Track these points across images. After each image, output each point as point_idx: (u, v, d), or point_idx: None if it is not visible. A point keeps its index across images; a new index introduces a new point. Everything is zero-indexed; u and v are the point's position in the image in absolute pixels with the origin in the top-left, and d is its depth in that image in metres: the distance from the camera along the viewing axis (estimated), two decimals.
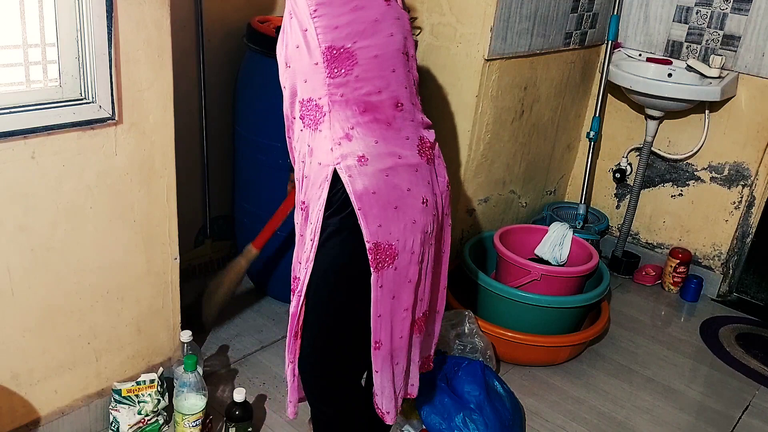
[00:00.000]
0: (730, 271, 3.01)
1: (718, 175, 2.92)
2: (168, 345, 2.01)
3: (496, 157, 2.64)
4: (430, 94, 2.51)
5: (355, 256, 1.40)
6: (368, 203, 1.37)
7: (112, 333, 1.86)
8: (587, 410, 2.24)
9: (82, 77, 1.60)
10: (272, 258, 2.50)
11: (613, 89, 3.05)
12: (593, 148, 3.04)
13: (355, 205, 1.36)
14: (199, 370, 1.90)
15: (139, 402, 1.85)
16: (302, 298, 1.48)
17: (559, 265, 2.53)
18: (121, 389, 1.85)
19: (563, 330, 2.40)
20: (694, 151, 2.93)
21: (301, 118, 1.41)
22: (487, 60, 2.36)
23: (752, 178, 2.84)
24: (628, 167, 3.12)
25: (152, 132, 1.75)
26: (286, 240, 2.42)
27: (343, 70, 1.34)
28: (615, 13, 2.88)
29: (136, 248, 1.82)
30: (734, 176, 2.87)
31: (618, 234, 3.20)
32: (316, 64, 1.34)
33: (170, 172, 1.83)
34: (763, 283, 2.98)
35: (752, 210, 2.87)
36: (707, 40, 2.82)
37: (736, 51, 2.75)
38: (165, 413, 1.92)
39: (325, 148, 1.38)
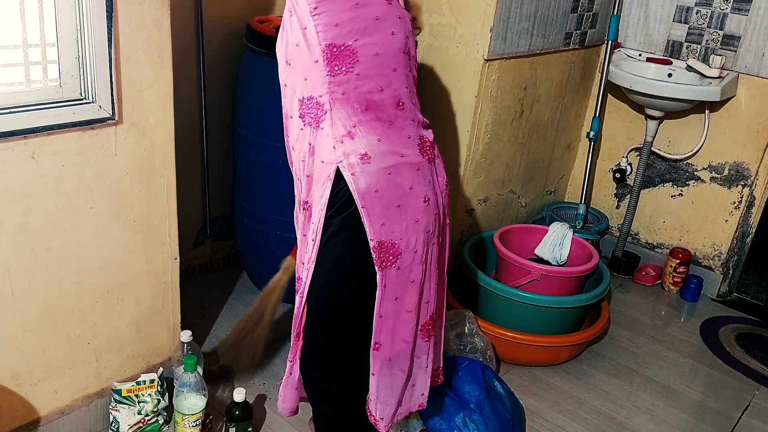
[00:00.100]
0: (730, 271, 3.01)
1: (718, 175, 2.92)
2: (168, 345, 2.01)
3: (495, 157, 2.64)
4: (429, 94, 2.51)
5: (358, 256, 1.40)
6: (371, 201, 1.37)
7: (112, 333, 1.86)
8: (587, 410, 2.24)
9: (82, 77, 1.60)
10: (273, 259, 2.50)
11: (613, 89, 3.05)
12: (593, 148, 3.04)
13: (359, 203, 1.36)
14: (199, 370, 1.90)
15: (139, 402, 1.85)
16: (304, 298, 1.48)
17: (559, 265, 2.53)
18: (121, 389, 1.85)
19: (563, 330, 2.40)
20: (694, 151, 2.93)
21: (301, 116, 1.41)
22: (487, 60, 2.36)
23: (752, 178, 2.84)
24: (628, 167, 3.12)
25: (152, 132, 1.75)
26: (288, 241, 2.42)
27: (343, 68, 1.34)
28: (615, 13, 2.88)
29: (136, 248, 1.82)
30: (734, 176, 2.87)
31: (618, 234, 3.20)
32: (316, 61, 1.34)
33: (170, 172, 1.83)
34: (763, 283, 2.98)
35: (752, 210, 2.87)
36: (707, 40, 2.82)
37: (736, 51, 2.75)
38: (165, 413, 1.92)
39: (328, 146, 1.38)
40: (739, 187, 2.87)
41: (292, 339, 1.56)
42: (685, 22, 2.86)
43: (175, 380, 1.92)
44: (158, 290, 1.92)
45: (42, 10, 1.52)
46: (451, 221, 2.59)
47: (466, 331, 2.24)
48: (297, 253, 1.57)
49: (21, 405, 1.73)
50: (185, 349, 1.92)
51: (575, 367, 2.46)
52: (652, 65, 2.89)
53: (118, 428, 1.85)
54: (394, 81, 1.40)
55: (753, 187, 2.84)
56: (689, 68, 2.80)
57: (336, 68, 1.34)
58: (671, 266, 3.02)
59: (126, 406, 1.84)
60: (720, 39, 2.78)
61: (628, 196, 3.13)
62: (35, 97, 1.55)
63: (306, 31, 1.33)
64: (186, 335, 1.93)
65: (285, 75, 1.44)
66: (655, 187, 3.10)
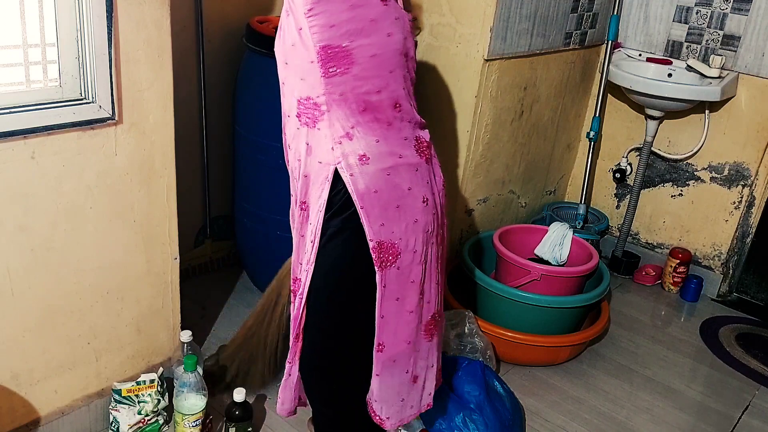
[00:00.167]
0: (730, 271, 3.01)
1: (718, 175, 2.92)
2: (168, 345, 2.01)
3: (495, 157, 2.64)
4: (429, 94, 2.51)
5: (357, 256, 1.40)
6: (370, 202, 1.37)
7: (112, 333, 1.86)
8: (587, 410, 2.24)
9: (82, 77, 1.60)
10: (273, 259, 2.50)
11: (613, 89, 3.05)
12: (593, 148, 3.04)
13: (357, 204, 1.36)
14: (199, 370, 1.89)
15: (139, 402, 1.85)
16: (303, 299, 1.48)
17: (559, 265, 2.53)
18: (121, 389, 1.85)
19: (563, 330, 2.40)
20: (694, 151, 2.93)
21: (298, 116, 1.41)
22: (487, 60, 2.36)
23: (752, 178, 2.84)
24: (628, 167, 3.12)
25: (152, 132, 1.75)
26: (288, 241, 2.42)
27: (339, 69, 1.34)
28: (615, 13, 2.88)
29: (136, 248, 1.82)
30: (734, 176, 2.87)
31: (618, 234, 3.20)
32: (312, 62, 1.34)
33: (170, 172, 1.83)
34: (763, 283, 2.98)
35: (752, 210, 2.87)
36: (707, 40, 2.82)
37: (736, 51, 2.75)
38: (165, 413, 1.92)
39: (326, 146, 1.38)
40: (739, 187, 2.87)
41: (291, 340, 1.56)
42: (685, 22, 2.86)
43: (175, 380, 1.92)
44: (158, 290, 1.92)
45: (42, 10, 1.52)
46: (451, 221, 2.60)
47: (466, 331, 2.24)
48: (294, 252, 1.56)
49: (21, 405, 1.73)
50: (185, 349, 1.92)
51: (575, 367, 2.46)
52: (652, 65, 2.89)
53: (118, 428, 1.85)
54: (392, 83, 1.39)
55: (753, 187, 2.84)
56: (689, 68, 2.80)
57: (331, 69, 1.33)
58: (671, 266, 3.02)
59: (126, 406, 1.84)
60: (720, 39, 2.78)
61: (628, 196, 3.13)
62: (35, 97, 1.55)
63: (301, 32, 1.33)
64: (186, 335, 1.93)
65: (283, 74, 1.44)
66: (655, 187, 3.10)
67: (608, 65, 2.88)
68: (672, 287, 3.05)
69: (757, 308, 2.98)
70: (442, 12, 2.41)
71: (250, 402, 1.94)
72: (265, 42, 2.16)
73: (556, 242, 2.56)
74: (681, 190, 3.03)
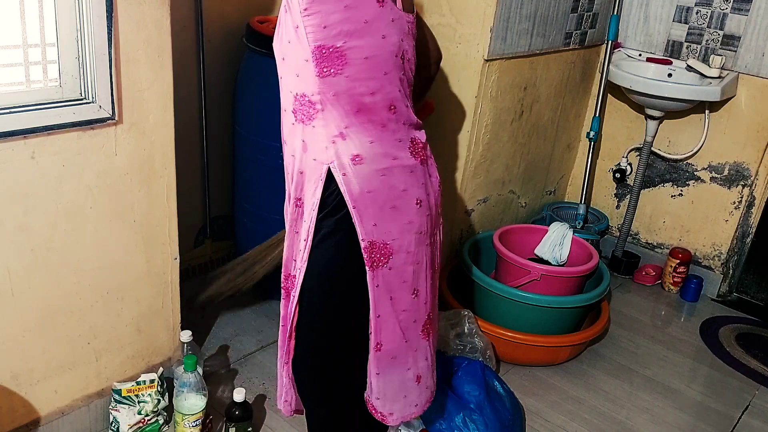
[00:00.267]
0: (730, 271, 3.01)
1: (718, 175, 2.92)
2: (168, 345, 2.01)
3: (495, 157, 2.64)
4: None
5: (350, 258, 1.40)
6: (363, 202, 1.37)
7: (112, 333, 1.86)
8: (587, 410, 2.24)
9: (82, 77, 1.60)
10: None
11: (613, 89, 3.05)
12: (593, 148, 3.04)
13: (349, 204, 1.36)
14: (199, 370, 1.90)
15: (139, 402, 1.85)
16: (296, 298, 1.48)
17: (559, 265, 2.53)
18: (121, 389, 1.85)
19: (563, 330, 2.40)
20: (694, 151, 2.93)
21: (294, 111, 1.41)
22: (487, 60, 2.36)
23: (752, 178, 2.84)
24: (628, 167, 3.12)
25: (152, 132, 1.75)
26: None
27: (332, 70, 1.33)
28: (615, 13, 2.88)
29: (136, 248, 1.82)
30: (734, 176, 2.87)
31: (618, 234, 3.20)
32: (307, 60, 1.34)
33: (170, 172, 1.83)
34: (763, 283, 2.98)
35: (752, 210, 2.87)
36: (707, 40, 2.82)
37: (736, 51, 2.75)
38: (165, 413, 1.92)
39: (321, 145, 1.38)
40: (739, 187, 2.87)
41: (284, 339, 1.56)
42: (685, 22, 2.86)
43: (175, 380, 1.92)
44: (158, 290, 1.92)
45: (42, 10, 1.52)
46: (451, 221, 2.60)
47: (466, 331, 2.24)
48: (286, 248, 1.55)
49: (21, 405, 1.73)
50: (185, 349, 1.92)
51: (575, 367, 2.46)
52: (652, 65, 2.89)
53: (118, 428, 1.85)
54: (386, 85, 1.39)
55: (753, 187, 2.84)
56: (689, 68, 2.80)
57: (325, 69, 1.33)
58: (671, 266, 3.02)
59: (126, 406, 1.84)
60: (720, 39, 2.78)
61: (628, 196, 3.13)
62: (35, 97, 1.55)
63: (298, 30, 1.33)
64: (186, 335, 1.93)
65: (281, 69, 1.44)
66: (655, 187, 3.10)
67: (608, 65, 2.88)
68: (672, 287, 3.05)
69: (757, 308, 2.98)
70: (442, 12, 2.41)
71: (250, 402, 1.94)
72: (265, 42, 2.16)
73: (556, 242, 2.56)
74: (681, 190, 3.03)
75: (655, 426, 2.20)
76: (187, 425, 1.84)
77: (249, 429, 1.89)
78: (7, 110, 1.49)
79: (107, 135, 1.66)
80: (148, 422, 1.88)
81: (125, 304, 1.86)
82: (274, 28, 1.46)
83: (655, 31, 2.94)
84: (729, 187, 2.90)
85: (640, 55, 2.98)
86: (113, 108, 1.64)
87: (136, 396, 1.85)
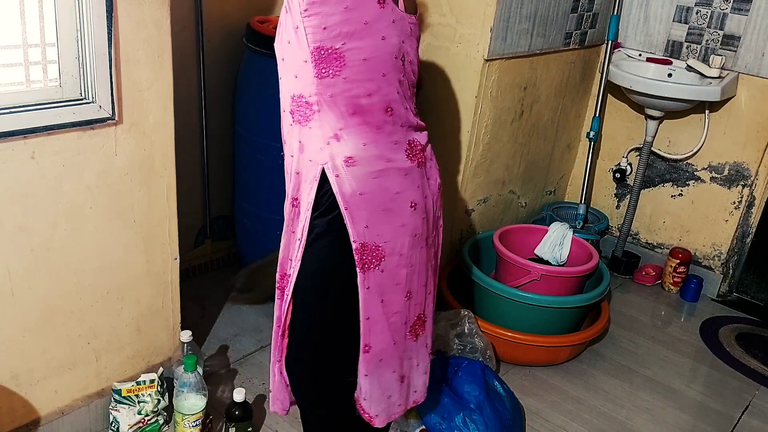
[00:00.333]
0: (730, 271, 3.01)
1: (718, 175, 2.92)
2: (168, 345, 2.01)
3: (495, 157, 2.64)
4: (429, 95, 2.50)
5: (343, 259, 1.40)
6: (355, 204, 1.37)
7: (112, 333, 1.86)
8: (587, 410, 2.24)
9: (82, 77, 1.60)
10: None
11: (613, 89, 3.05)
12: (593, 148, 3.04)
13: (342, 206, 1.37)
14: (199, 370, 1.90)
15: (139, 402, 1.85)
16: (290, 297, 1.49)
17: (559, 265, 2.53)
18: (121, 389, 1.85)
19: (563, 330, 2.40)
20: (694, 151, 2.93)
21: (291, 112, 1.41)
22: (487, 60, 2.36)
23: (752, 178, 2.84)
24: (628, 167, 3.12)
25: (152, 132, 1.75)
26: None
27: (330, 71, 1.33)
28: (615, 13, 2.88)
29: (136, 248, 1.82)
30: (734, 176, 2.87)
31: (618, 234, 3.20)
32: (305, 61, 1.34)
33: (170, 172, 1.83)
34: (763, 283, 2.98)
35: (752, 210, 2.87)
36: (707, 40, 2.82)
37: (736, 51, 2.75)
38: (165, 413, 1.92)
39: (316, 146, 1.38)
40: (739, 187, 2.87)
41: (277, 338, 1.56)
42: (685, 22, 2.86)
43: (175, 380, 1.92)
44: (158, 290, 1.92)
45: (42, 10, 1.52)
46: (451, 221, 2.60)
47: (466, 331, 2.24)
48: (282, 247, 1.55)
49: (21, 405, 1.73)
50: (185, 349, 1.92)
51: (575, 367, 2.46)
52: (652, 65, 2.89)
53: (118, 428, 1.85)
54: (384, 86, 1.39)
55: (753, 187, 2.84)
56: (689, 68, 2.80)
57: (324, 70, 1.33)
58: (671, 266, 3.02)
59: (126, 406, 1.84)
60: (720, 39, 2.78)
61: (628, 196, 3.13)
62: (35, 97, 1.55)
63: (297, 31, 1.33)
64: (186, 335, 1.93)
65: (280, 70, 1.45)
66: (655, 187, 3.10)
67: (608, 65, 2.88)
68: (672, 287, 3.05)
69: (757, 308, 2.98)
70: (442, 12, 2.41)
71: (250, 402, 1.94)
72: (265, 42, 2.16)
73: (556, 242, 2.56)
74: (681, 190, 3.03)
75: (655, 426, 2.20)
76: (187, 425, 1.84)
77: (249, 429, 1.89)
78: (7, 110, 1.49)
79: (107, 135, 1.66)
80: (148, 422, 1.88)
81: (125, 304, 1.86)
82: (275, 28, 1.46)
83: (655, 31, 2.94)
84: (729, 187, 2.90)
85: (640, 55, 2.98)
86: (113, 108, 1.64)
87: (136, 396, 1.85)
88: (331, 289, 1.46)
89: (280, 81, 1.46)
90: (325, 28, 1.31)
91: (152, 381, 1.88)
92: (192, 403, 1.84)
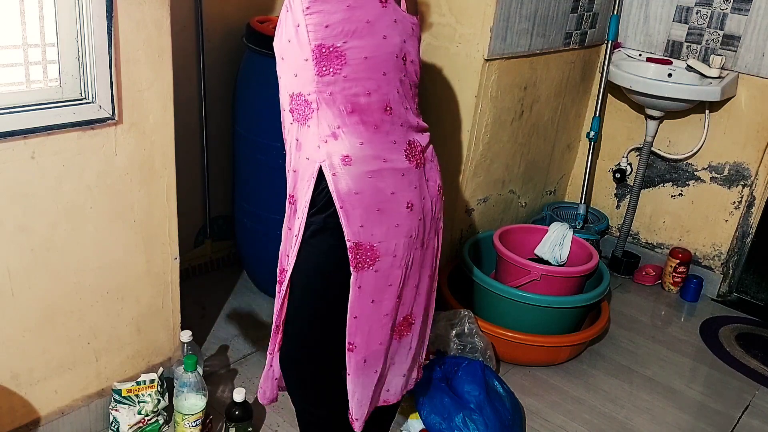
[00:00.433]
0: (730, 271, 3.01)
1: (718, 175, 2.92)
2: (168, 345, 2.01)
3: (495, 157, 2.64)
4: (429, 95, 2.50)
5: (338, 256, 1.40)
6: (350, 203, 1.37)
7: (112, 333, 1.86)
8: (587, 410, 2.24)
9: (82, 77, 1.60)
10: (273, 259, 2.50)
11: (613, 89, 3.05)
12: (593, 148, 3.04)
13: (337, 204, 1.37)
14: (199, 370, 1.90)
15: (139, 402, 1.85)
16: (285, 292, 1.49)
17: (559, 265, 2.53)
18: (121, 389, 1.85)
19: (563, 330, 2.40)
20: (694, 151, 2.93)
21: (291, 111, 1.42)
22: (487, 60, 2.36)
23: (752, 178, 2.84)
24: (628, 167, 3.12)
25: (152, 132, 1.75)
26: None
27: (331, 69, 1.34)
28: (615, 13, 2.88)
29: (136, 248, 1.82)
30: (734, 176, 2.88)
31: (618, 234, 3.20)
32: (306, 60, 1.34)
33: (170, 172, 1.83)
34: (763, 283, 2.98)
35: (752, 210, 2.87)
36: (707, 40, 2.82)
37: (736, 51, 2.75)
38: (165, 413, 1.92)
39: (313, 144, 1.39)
40: (739, 187, 2.87)
41: (273, 332, 1.57)
42: (685, 22, 2.86)
43: (175, 380, 1.92)
44: (158, 290, 1.92)
45: (42, 10, 1.52)
46: (451, 221, 2.60)
47: (466, 331, 2.24)
48: (282, 244, 1.56)
49: (21, 405, 1.73)
50: (185, 349, 1.92)
51: (575, 367, 2.46)
52: (652, 65, 2.89)
53: (118, 428, 1.85)
54: (384, 85, 1.39)
55: (753, 187, 2.84)
56: (689, 68, 2.80)
57: (324, 69, 1.34)
58: (671, 266, 3.02)
59: (126, 406, 1.84)
60: (720, 39, 2.78)
61: (628, 196, 3.13)
62: (35, 97, 1.55)
63: (298, 29, 1.33)
64: (186, 335, 1.93)
65: (280, 69, 1.45)
66: (655, 187, 3.10)
67: (608, 65, 2.88)
68: (672, 287, 3.05)
69: (757, 308, 2.98)
70: (442, 12, 2.41)
71: (250, 402, 1.94)
72: (266, 42, 2.16)
73: (556, 242, 2.56)
74: (681, 190, 3.03)
75: (655, 426, 2.20)
76: (187, 425, 1.84)
77: (249, 429, 1.89)
78: (7, 110, 1.49)
79: (107, 135, 1.66)
80: (148, 422, 1.88)
81: (125, 304, 1.86)
82: (275, 28, 1.46)
83: (655, 31, 2.94)
84: (729, 187, 2.90)
85: (640, 55, 2.98)
86: (113, 108, 1.64)
87: (136, 396, 1.85)
88: (325, 286, 1.47)
89: (279, 80, 1.46)
90: (326, 26, 1.31)
91: (152, 381, 1.88)
92: (192, 403, 1.84)
